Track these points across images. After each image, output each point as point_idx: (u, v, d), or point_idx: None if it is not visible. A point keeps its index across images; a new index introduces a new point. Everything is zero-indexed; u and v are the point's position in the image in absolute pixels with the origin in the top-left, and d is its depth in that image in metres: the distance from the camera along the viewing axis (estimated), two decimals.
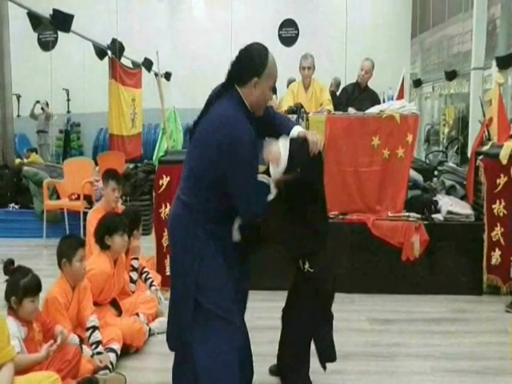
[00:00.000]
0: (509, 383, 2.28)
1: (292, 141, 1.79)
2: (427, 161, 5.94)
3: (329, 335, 2.04)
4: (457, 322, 2.93)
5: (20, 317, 2.01)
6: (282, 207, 1.79)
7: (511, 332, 2.71)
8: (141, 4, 10.04)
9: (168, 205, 3.18)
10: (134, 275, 2.89)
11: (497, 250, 3.27)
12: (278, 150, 1.74)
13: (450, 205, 3.39)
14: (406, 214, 3.40)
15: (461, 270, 3.30)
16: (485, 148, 3.44)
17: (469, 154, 4.99)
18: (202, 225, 1.77)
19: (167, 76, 9.20)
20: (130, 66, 7.32)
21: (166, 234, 3.20)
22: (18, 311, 2.01)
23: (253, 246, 1.91)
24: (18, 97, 8.93)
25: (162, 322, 2.64)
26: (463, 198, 3.65)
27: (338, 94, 5.29)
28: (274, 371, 2.23)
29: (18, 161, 5.74)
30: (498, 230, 3.26)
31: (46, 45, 8.91)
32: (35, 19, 5.05)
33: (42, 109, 8.48)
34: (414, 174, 3.83)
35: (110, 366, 2.28)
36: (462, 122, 7.80)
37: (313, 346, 2.04)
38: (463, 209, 3.39)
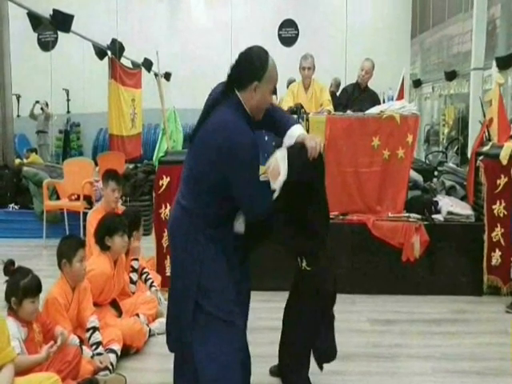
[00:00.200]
0: None
1: (290, 151, 1.78)
2: (427, 161, 5.94)
3: (330, 336, 2.04)
4: (457, 322, 2.93)
5: (20, 317, 2.01)
6: (282, 207, 1.79)
7: (511, 333, 2.71)
8: (141, 4, 10.04)
9: (168, 205, 3.17)
10: (134, 276, 2.89)
11: (497, 250, 3.27)
12: (277, 166, 1.74)
13: (450, 205, 3.39)
14: (406, 214, 3.40)
15: (461, 271, 3.30)
16: (485, 148, 3.44)
17: (469, 155, 4.99)
18: (202, 230, 1.77)
19: (167, 76, 9.19)
20: (130, 66, 7.32)
21: (166, 234, 3.19)
22: (18, 312, 2.01)
23: (253, 243, 1.91)
24: (18, 97, 8.92)
25: (162, 323, 2.63)
26: (463, 198, 3.65)
27: (337, 94, 5.29)
28: (274, 372, 2.23)
29: (17, 161, 5.74)
30: (498, 231, 3.26)
31: (46, 45, 8.90)
32: (35, 19, 5.05)
33: (42, 109, 8.47)
34: (414, 174, 3.83)
35: (110, 367, 2.28)
36: (462, 123, 7.80)
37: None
38: (463, 209, 3.39)
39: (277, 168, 1.75)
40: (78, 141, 10.30)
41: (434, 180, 4.11)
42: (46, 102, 8.51)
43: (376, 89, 4.64)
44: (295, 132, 1.85)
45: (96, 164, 5.36)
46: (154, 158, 3.54)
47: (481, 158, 3.39)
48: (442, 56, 9.03)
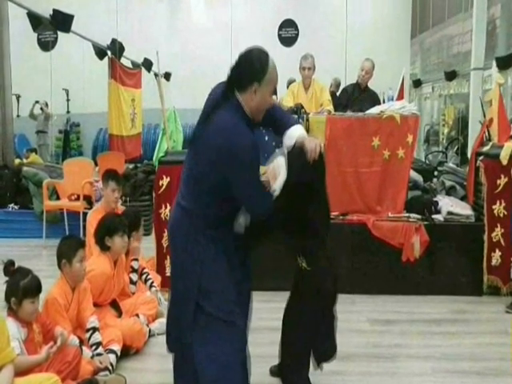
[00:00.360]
0: None
1: (289, 153, 1.78)
2: (427, 161, 5.94)
3: (330, 336, 2.04)
4: (457, 322, 2.93)
5: (20, 318, 2.01)
6: (283, 206, 1.79)
7: (511, 333, 2.71)
8: (141, 4, 10.04)
9: (168, 205, 3.17)
10: (134, 276, 2.88)
11: (497, 250, 3.27)
12: (276, 169, 1.74)
13: (450, 205, 3.39)
14: (407, 214, 3.40)
15: (461, 271, 3.29)
16: (485, 149, 3.44)
17: (469, 155, 4.99)
18: (202, 230, 1.77)
19: (167, 76, 9.19)
20: (130, 66, 7.32)
21: (166, 234, 3.19)
22: (17, 312, 2.01)
23: (253, 242, 1.91)
24: (18, 97, 8.91)
25: (162, 323, 2.63)
26: (463, 198, 3.65)
27: (338, 94, 5.28)
28: (274, 372, 2.23)
29: (17, 161, 5.74)
30: (498, 231, 3.26)
31: (46, 45, 8.90)
32: (35, 19, 5.04)
33: (42, 109, 8.47)
34: (414, 174, 3.83)
35: (110, 368, 2.27)
36: (462, 123, 7.80)
37: None
38: (463, 209, 3.39)
39: (275, 171, 1.74)
40: (77, 141, 10.29)
41: (434, 180, 4.11)
42: (46, 102, 8.51)
43: (376, 89, 4.64)
44: (295, 133, 1.84)
45: (96, 164, 5.36)
46: (154, 158, 3.54)
47: (481, 158, 3.38)
48: (442, 56, 9.03)
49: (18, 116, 8.48)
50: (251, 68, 1.71)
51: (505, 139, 3.41)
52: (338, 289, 2.05)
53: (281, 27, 10.07)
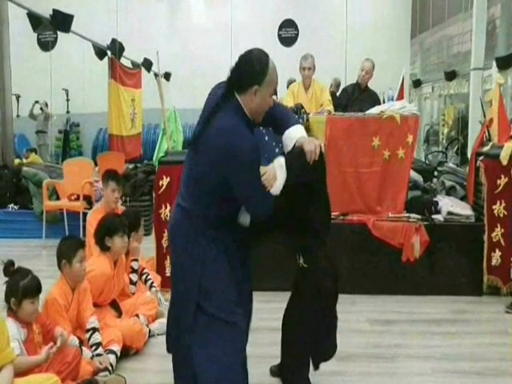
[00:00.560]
0: None
1: (289, 156, 1.77)
2: (427, 161, 5.94)
3: (331, 336, 2.04)
4: (457, 322, 2.93)
5: (20, 318, 2.01)
6: (283, 205, 1.79)
7: (511, 333, 2.71)
8: (141, 4, 10.04)
9: (168, 205, 3.17)
10: (134, 277, 2.88)
11: (497, 250, 3.27)
12: (276, 171, 1.73)
13: (450, 205, 3.39)
14: (407, 214, 3.40)
15: (461, 271, 3.29)
16: (485, 149, 3.43)
17: (468, 155, 4.99)
18: (202, 231, 1.77)
19: (166, 76, 9.19)
20: (130, 66, 7.31)
21: (166, 234, 3.19)
22: (17, 313, 2.00)
23: (254, 241, 1.90)
24: (18, 97, 8.90)
25: (162, 324, 2.63)
26: (463, 198, 3.65)
27: (338, 94, 5.28)
28: (274, 372, 2.23)
29: (17, 161, 5.73)
30: (498, 231, 3.25)
31: (46, 45, 8.90)
32: (35, 19, 5.04)
33: (41, 109, 8.46)
34: (413, 174, 3.83)
35: (110, 368, 2.27)
36: (462, 123, 7.80)
37: None
38: (463, 209, 3.39)
39: (275, 172, 1.74)
40: (77, 141, 10.29)
41: (434, 180, 4.11)
42: (46, 102, 8.50)
43: (376, 89, 4.64)
44: (294, 133, 1.83)
45: (96, 164, 5.35)
46: (154, 158, 3.54)
47: (481, 158, 3.38)
48: (442, 56, 9.03)
49: (17, 116, 8.48)
50: (251, 70, 1.70)
51: (505, 139, 3.41)
52: (339, 289, 2.05)
53: (281, 27, 10.07)
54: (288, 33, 10.05)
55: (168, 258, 3.17)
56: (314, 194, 1.86)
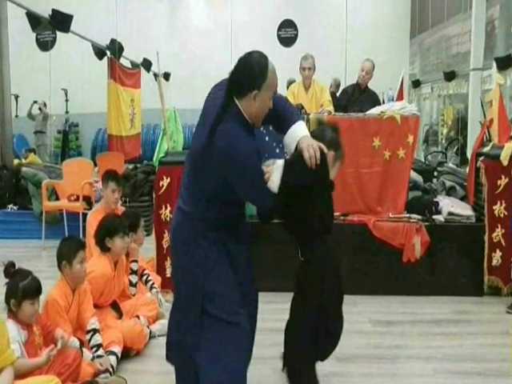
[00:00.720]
0: None
1: (289, 161, 1.77)
2: (426, 162, 5.94)
3: (335, 337, 2.03)
4: (458, 323, 2.93)
5: (20, 320, 2.00)
6: (283, 203, 1.78)
7: None
8: (140, 4, 10.03)
9: (168, 206, 3.16)
10: (134, 278, 2.87)
11: (497, 251, 3.27)
12: (271, 173, 1.72)
13: (450, 206, 3.39)
14: (407, 215, 3.39)
15: (462, 272, 3.29)
16: (485, 149, 3.43)
17: (468, 155, 4.99)
18: (203, 233, 1.76)
19: (166, 76, 9.16)
20: (129, 66, 7.30)
21: (166, 235, 3.18)
22: (17, 314, 1.99)
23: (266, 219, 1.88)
24: (16, 97, 8.88)
25: (162, 325, 2.63)
26: (463, 198, 3.65)
27: (337, 94, 5.28)
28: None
29: (16, 161, 5.72)
30: (498, 231, 3.25)
31: (45, 45, 8.87)
32: (34, 19, 5.02)
33: (40, 109, 8.44)
34: (414, 175, 3.83)
35: (111, 369, 2.26)
36: (461, 123, 7.81)
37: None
38: (464, 210, 3.39)
39: (271, 173, 1.73)
40: (76, 141, 10.28)
41: (434, 180, 4.11)
42: (44, 102, 8.48)
43: (376, 89, 4.64)
44: (295, 134, 1.79)
45: (95, 164, 5.34)
46: (155, 158, 3.52)
47: (481, 158, 3.38)
48: (441, 56, 9.05)
49: (16, 116, 8.46)
50: (251, 74, 1.68)
51: (505, 140, 3.41)
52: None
53: (280, 27, 10.07)
54: (287, 33, 10.05)
55: (168, 258, 3.16)
56: (313, 196, 1.85)
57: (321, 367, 2.08)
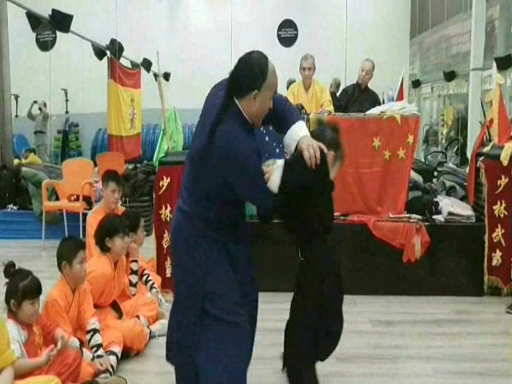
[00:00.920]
0: None
1: (288, 161, 1.77)
2: (426, 162, 5.95)
3: (335, 337, 2.03)
4: (458, 323, 2.93)
5: (20, 320, 2.00)
6: (282, 203, 1.78)
7: None
8: (140, 4, 10.03)
9: (168, 206, 3.16)
10: (134, 278, 2.87)
11: (497, 251, 3.27)
12: (270, 173, 1.72)
13: (450, 206, 3.39)
14: (407, 215, 3.40)
15: (462, 272, 3.29)
16: (485, 149, 3.43)
17: (468, 155, 4.99)
18: (203, 233, 1.77)
19: (166, 76, 9.16)
20: (129, 66, 7.30)
21: (166, 235, 3.18)
22: (17, 314, 1.99)
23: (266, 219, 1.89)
24: (16, 97, 8.88)
25: (162, 324, 2.63)
26: (463, 198, 3.65)
27: (337, 94, 5.28)
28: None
29: (16, 161, 5.71)
30: (498, 231, 3.25)
31: (45, 45, 8.86)
32: (34, 19, 5.02)
33: (40, 109, 8.44)
34: (414, 175, 3.83)
35: (111, 369, 2.26)
36: (461, 123, 7.81)
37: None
38: (464, 210, 3.39)
39: (270, 173, 1.73)
40: (76, 141, 10.27)
41: (434, 180, 4.11)
42: (44, 102, 8.48)
43: (376, 89, 4.64)
44: (295, 134, 1.79)
45: (95, 164, 5.34)
46: (155, 158, 3.53)
47: (481, 158, 3.38)
48: (441, 56, 9.05)
49: (16, 116, 8.46)
50: (250, 74, 1.68)
51: (505, 140, 3.41)
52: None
53: (280, 27, 10.05)
54: (287, 33, 10.03)
55: (168, 258, 3.16)
56: (313, 196, 1.85)
57: (321, 367, 2.08)
